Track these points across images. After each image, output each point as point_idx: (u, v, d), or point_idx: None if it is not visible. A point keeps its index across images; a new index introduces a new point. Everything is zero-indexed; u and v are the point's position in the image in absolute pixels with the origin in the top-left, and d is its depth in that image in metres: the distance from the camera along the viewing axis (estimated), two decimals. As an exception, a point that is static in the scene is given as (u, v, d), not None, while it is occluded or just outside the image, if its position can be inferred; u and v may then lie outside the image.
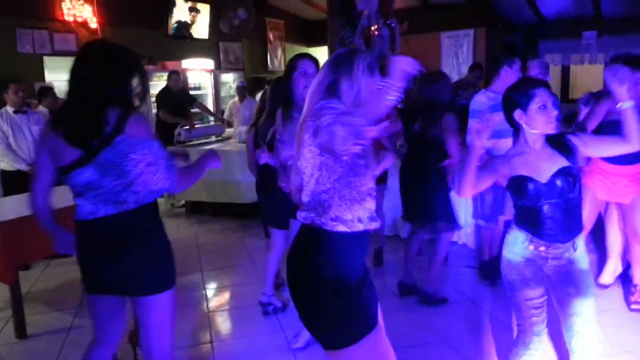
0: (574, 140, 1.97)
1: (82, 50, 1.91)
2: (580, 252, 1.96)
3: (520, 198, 1.97)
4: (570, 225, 1.93)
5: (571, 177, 1.90)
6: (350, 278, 1.67)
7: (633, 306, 3.20)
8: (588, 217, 3.16)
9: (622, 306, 3.26)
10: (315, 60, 2.61)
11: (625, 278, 3.46)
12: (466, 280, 3.81)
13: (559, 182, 1.88)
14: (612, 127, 2.93)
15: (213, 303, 3.65)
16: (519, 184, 1.94)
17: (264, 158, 2.76)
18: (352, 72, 1.65)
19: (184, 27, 8.13)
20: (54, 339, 3.07)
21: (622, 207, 3.18)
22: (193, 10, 8.18)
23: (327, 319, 1.67)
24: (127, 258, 1.84)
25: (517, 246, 2.00)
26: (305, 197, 1.70)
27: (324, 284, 1.65)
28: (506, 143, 3.48)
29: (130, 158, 1.77)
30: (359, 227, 1.66)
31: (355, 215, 1.65)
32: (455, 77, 8.38)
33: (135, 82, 1.90)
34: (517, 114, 1.99)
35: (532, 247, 1.97)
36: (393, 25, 5.23)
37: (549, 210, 1.91)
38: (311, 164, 1.64)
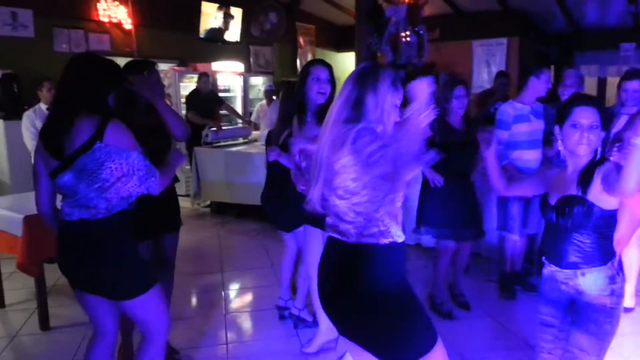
0: (600, 173, 1.75)
1: (68, 62, 1.97)
2: (591, 285, 1.81)
3: (541, 212, 1.96)
4: (573, 254, 1.83)
5: (580, 207, 1.76)
6: (407, 289, 1.70)
7: None
8: (623, 235, 3.04)
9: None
10: (328, 66, 2.60)
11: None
12: (487, 294, 3.73)
13: (563, 208, 1.80)
14: None
15: (231, 304, 3.67)
16: (542, 200, 1.96)
17: (274, 155, 2.74)
18: (378, 88, 1.64)
19: (216, 32, 8.25)
20: (77, 332, 3.14)
21: None
22: (227, 16, 8.29)
23: (396, 333, 1.63)
24: (93, 263, 1.90)
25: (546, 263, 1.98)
26: (346, 214, 1.66)
27: (385, 300, 1.63)
28: (531, 154, 3.44)
29: (106, 166, 1.83)
30: (402, 238, 1.69)
31: (398, 228, 1.68)
32: (486, 86, 8.26)
33: (120, 91, 2.02)
34: (556, 130, 1.89)
35: (548, 265, 1.94)
36: (421, 32, 5.19)
37: (554, 233, 1.88)
38: (354, 183, 1.62)
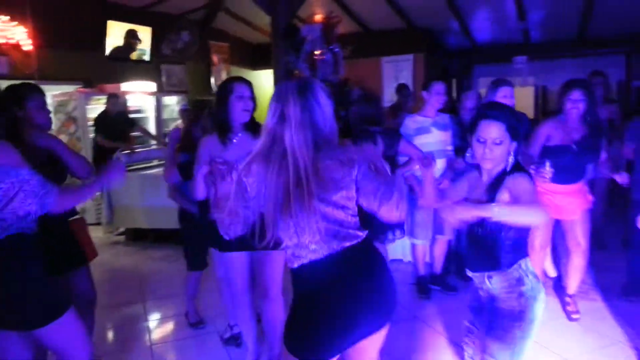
0: (508, 184, 1.81)
1: None
2: (497, 291, 1.87)
3: None
4: (479, 258, 1.90)
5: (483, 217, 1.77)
6: None
7: (574, 316, 3.35)
8: (544, 237, 3.28)
9: (562, 316, 3.40)
10: (249, 83, 2.58)
11: (559, 289, 3.63)
12: (411, 297, 3.86)
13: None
14: (555, 154, 3.10)
15: (156, 335, 3.50)
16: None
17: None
18: (320, 102, 1.63)
19: (124, 51, 7.94)
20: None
21: (567, 221, 3.30)
22: (135, 34, 8.01)
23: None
24: None
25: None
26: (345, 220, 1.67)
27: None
28: (438, 164, 3.62)
29: None
30: None
31: None
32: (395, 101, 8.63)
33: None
34: (470, 138, 1.91)
35: (467, 270, 2.02)
36: (336, 50, 5.34)
37: (465, 238, 1.95)
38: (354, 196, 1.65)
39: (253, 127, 2.53)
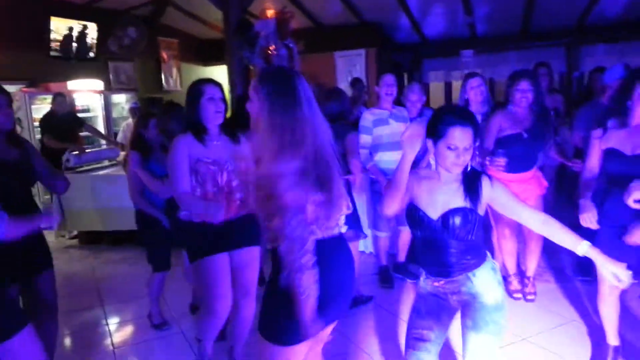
0: (486, 186, 1.84)
1: None
2: (481, 286, 1.86)
3: (413, 228, 1.94)
4: (463, 259, 1.86)
5: (467, 218, 1.81)
6: None
7: (529, 297, 3.51)
8: (513, 225, 3.41)
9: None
10: (220, 85, 2.54)
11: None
12: (375, 287, 3.93)
13: (449, 221, 1.81)
14: (508, 143, 3.23)
15: (118, 338, 3.42)
16: (412, 213, 1.91)
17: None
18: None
19: (69, 49, 7.62)
20: None
21: None
22: (80, 31, 7.71)
23: None
24: None
25: (422, 280, 2.00)
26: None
27: None
28: (393, 155, 3.69)
29: None
30: None
31: None
32: (349, 95, 8.72)
33: None
34: (428, 143, 1.85)
35: (430, 282, 1.95)
36: (291, 45, 5.34)
37: (432, 246, 1.88)
38: None
39: (230, 128, 2.52)
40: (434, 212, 1.85)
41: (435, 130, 1.81)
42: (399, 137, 3.61)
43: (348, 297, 1.78)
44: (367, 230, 4.12)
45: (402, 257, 4.02)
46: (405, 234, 3.92)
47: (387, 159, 3.71)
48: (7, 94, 2.27)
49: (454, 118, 1.79)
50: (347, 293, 1.75)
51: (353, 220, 3.36)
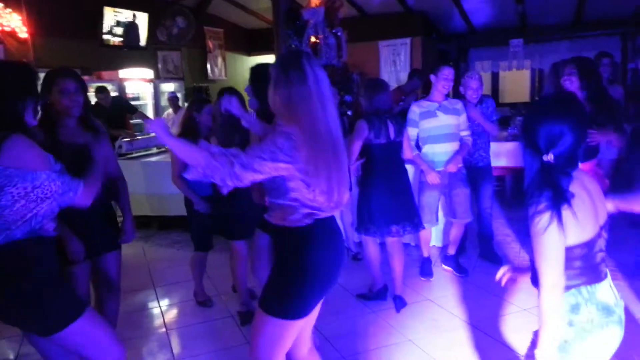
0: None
1: None
2: None
3: None
4: None
5: None
6: None
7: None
8: None
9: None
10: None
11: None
12: (419, 280, 3.92)
13: None
14: None
15: (171, 320, 3.54)
16: None
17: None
18: None
19: (121, 38, 7.84)
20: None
21: None
22: (131, 21, 7.92)
23: None
24: (7, 297, 1.73)
25: None
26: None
27: None
28: (441, 148, 3.66)
29: (6, 191, 1.63)
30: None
31: None
32: (393, 84, 8.62)
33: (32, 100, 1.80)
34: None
35: None
36: (339, 34, 5.32)
37: None
38: None
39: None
40: None
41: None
42: (449, 129, 3.64)
43: (337, 276, 1.90)
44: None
45: (452, 250, 3.98)
46: (456, 227, 3.86)
47: (435, 151, 3.67)
48: (78, 80, 2.30)
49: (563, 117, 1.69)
50: (338, 271, 1.89)
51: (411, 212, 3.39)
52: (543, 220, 1.40)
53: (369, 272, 3.58)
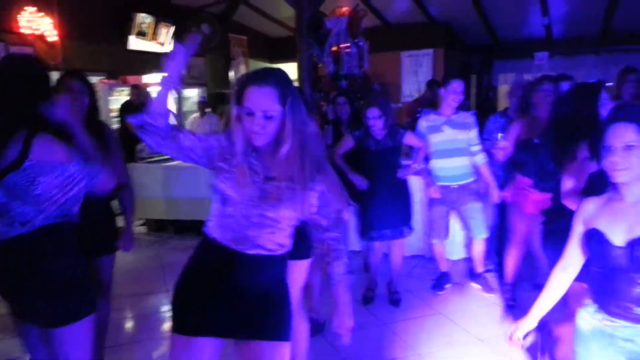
0: None
1: None
2: None
3: (592, 256, 1.63)
4: None
5: None
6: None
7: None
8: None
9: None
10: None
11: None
12: (433, 294, 3.86)
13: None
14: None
15: (182, 324, 3.54)
16: (593, 237, 1.60)
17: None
18: None
19: (147, 44, 7.99)
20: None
21: None
22: (158, 27, 8.07)
23: None
24: (29, 284, 1.75)
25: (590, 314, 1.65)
26: None
27: None
28: (447, 163, 3.60)
29: (40, 182, 1.72)
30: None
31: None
32: (415, 95, 8.58)
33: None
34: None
35: (598, 318, 1.62)
36: (361, 44, 5.32)
37: (614, 278, 1.55)
38: None
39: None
40: (618, 236, 1.52)
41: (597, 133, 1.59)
42: (456, 144, 3.57)
43: None
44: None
45: (477, 267, 3.85)
46: (478, 243, 3.72)
47: (441, 165, 3.63)
48: (84, 82, 2.36)
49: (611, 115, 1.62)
50: None
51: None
52: None
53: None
